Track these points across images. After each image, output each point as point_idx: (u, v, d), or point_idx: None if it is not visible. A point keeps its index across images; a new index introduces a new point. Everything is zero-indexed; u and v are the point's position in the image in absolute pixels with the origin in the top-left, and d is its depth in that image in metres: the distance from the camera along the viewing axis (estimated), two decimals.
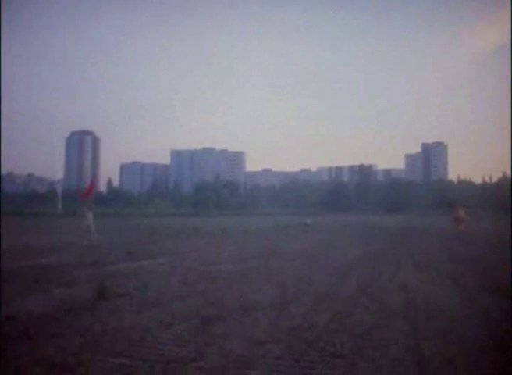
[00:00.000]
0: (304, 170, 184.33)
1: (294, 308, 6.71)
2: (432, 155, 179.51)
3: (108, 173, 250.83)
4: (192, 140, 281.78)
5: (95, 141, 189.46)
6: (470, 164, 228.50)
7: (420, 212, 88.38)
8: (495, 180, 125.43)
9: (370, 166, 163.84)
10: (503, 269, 10.54)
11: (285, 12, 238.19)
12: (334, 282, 9.12)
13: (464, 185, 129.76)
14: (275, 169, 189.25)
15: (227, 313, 6.32)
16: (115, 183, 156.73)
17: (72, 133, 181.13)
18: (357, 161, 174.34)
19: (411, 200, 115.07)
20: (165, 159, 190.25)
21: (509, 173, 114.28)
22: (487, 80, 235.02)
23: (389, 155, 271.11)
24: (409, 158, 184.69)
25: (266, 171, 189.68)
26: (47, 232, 27.41)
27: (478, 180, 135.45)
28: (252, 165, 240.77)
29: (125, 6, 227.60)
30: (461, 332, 5.43)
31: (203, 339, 5.10)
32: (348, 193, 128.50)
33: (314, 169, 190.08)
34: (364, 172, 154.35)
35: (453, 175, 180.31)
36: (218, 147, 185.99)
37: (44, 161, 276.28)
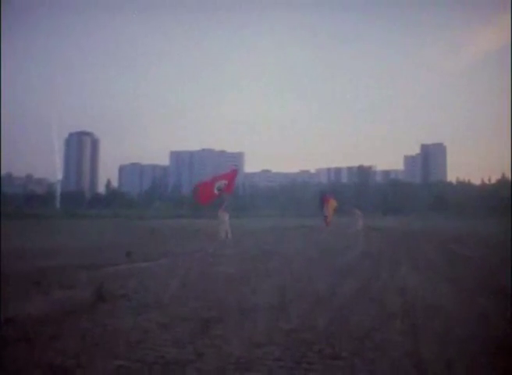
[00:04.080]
0: (303, 171, 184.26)
1: (293, 310, 6.71)
2: (431, 156, 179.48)
3: (107, 174, 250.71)
4: (191, 141, 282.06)
5: (94, 142, 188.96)
6: (469, 165, 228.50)
7: (419, 213, 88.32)
8: (494, 181, 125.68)
9: (369, 168, 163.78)
10: None
11: (283, 14, 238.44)
12: (333, 283, 9.12)
13: (463, 186, 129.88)
14: (275, 170, 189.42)
15: (226, 315, 6.33)
16: (114, 184, 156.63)
17: (71, 134, 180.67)
18: (356, 162, 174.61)
19: (410, 202, 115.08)
20: (164, 161, 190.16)
21: (508, 174, 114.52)
22: (486, 81, 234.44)
23: (388, 156, 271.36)
24: (408, 159, 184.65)
25: (265, 172, 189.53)
26: (48, 234, 27.36)
27: (477, 182, 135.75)
28: (251, 166, 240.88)
29: (124, 8, 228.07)
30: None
31: (202, 341, 5.11)
32: (347, 194, 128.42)
33: (313, 170, 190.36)
34: (362, 173, 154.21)
35: (452, 176, 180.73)
36: (217, 148, 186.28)
37: (43, 162, 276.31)
